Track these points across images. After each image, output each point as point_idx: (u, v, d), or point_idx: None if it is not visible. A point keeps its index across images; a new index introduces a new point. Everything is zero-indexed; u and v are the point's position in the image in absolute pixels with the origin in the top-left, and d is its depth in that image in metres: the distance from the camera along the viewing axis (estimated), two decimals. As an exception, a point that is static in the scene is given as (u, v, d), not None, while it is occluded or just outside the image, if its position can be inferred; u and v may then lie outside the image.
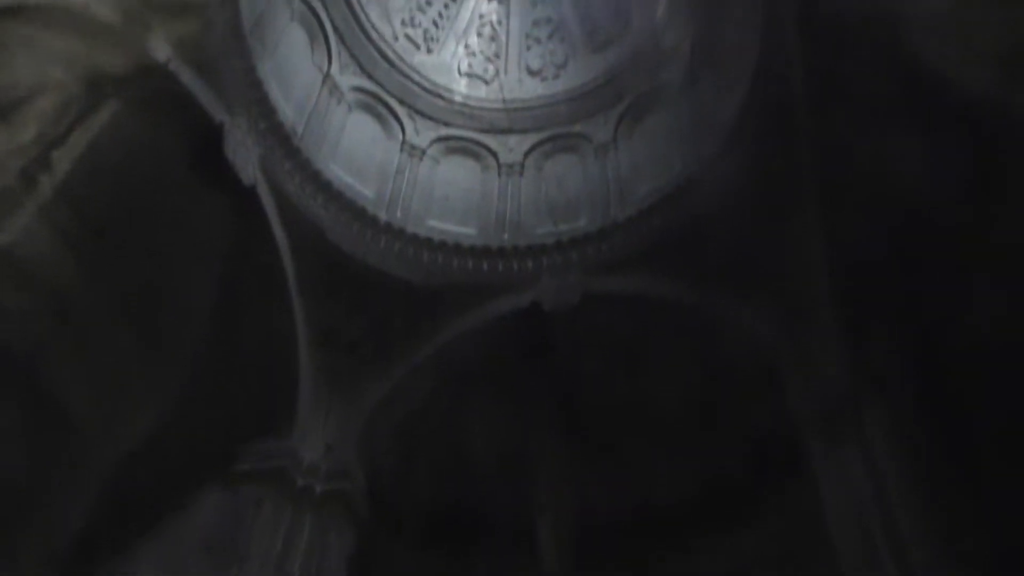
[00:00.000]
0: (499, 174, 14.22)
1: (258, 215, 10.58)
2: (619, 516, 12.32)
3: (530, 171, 14.27)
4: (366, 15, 14.21)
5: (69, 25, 8.19)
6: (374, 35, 14.35)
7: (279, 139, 11.21)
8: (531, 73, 15.82)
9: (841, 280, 9.33)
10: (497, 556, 12.45)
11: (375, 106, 14.26)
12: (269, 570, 9.62)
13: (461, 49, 15.96)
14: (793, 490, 10.32)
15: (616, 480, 12.38)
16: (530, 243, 12.63)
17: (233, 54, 10.21)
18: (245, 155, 10.20)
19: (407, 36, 15.17)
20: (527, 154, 14.48)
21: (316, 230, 11.49)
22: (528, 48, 16.20)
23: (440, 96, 14.96)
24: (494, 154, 14.53)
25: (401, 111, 14.46)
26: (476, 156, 14.59)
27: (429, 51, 15.53)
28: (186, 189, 9.97)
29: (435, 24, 15.79)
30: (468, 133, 14.76)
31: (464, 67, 15.74)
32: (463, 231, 13.00)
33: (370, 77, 14.25)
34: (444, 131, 14.66)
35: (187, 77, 9.32)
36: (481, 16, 16.34)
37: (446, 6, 16.07)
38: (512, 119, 14.91)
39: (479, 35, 16.19)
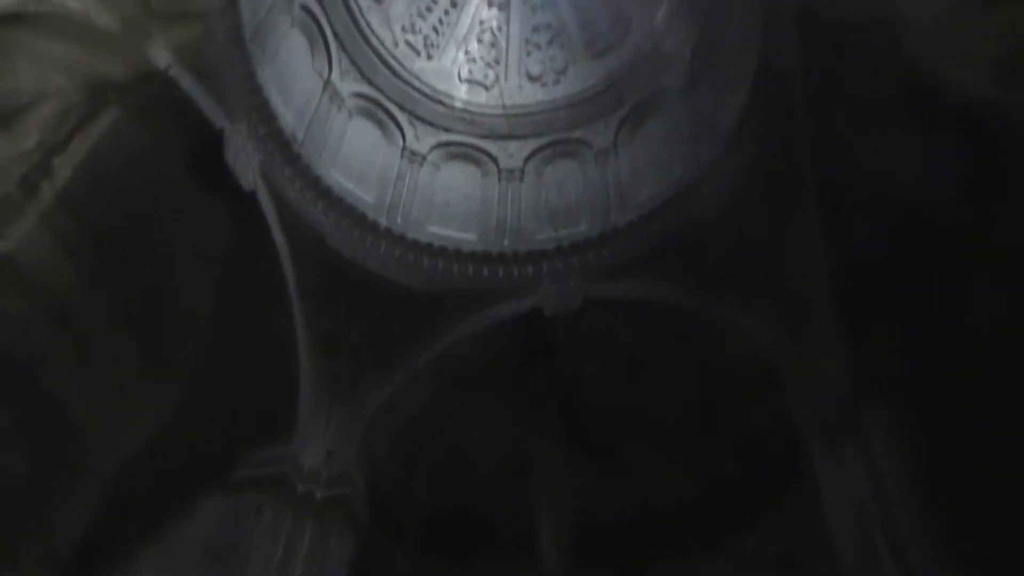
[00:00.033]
0: (499, 180, 14.23)
1: (258, 221, 10.58)
2: (620, 519, 12.30)
3: (530, 177, 14.28)
4: (366, 21, 14.23)
5: (70, 32, 8.20)
6: (374, 41, 14.37)
7: (279, 145, 11.22)
8: (531, 79, 15.84)
9: (841, 281, 9.34)
10: (498, 561, 12.42)
11: (375, 112, 14.27)
12: (270, 576, 9.63)
13: (461, 55, 15.99)
14: (793, 491, 10.32)
15: (617, 483, 12.36)
16: (530, 248, 12.63)
17: (233, 60, 10.22)
18: (245, 161, 10.21)
19: (407, 42, 15.19)
20: (527, 160, 14.49)
21: (316, 236, 11.49)
22: (528, 54, 16.23)
23: (440, 102, 14.98)
24: (494, 160, 14.54)
25: (401, 117, 14.48)
26: (476, 162, 14.61)
27: (429, 57, 15.55)
28: (186, 195, 9.97)
29: (435, 30, 15.82)
30: (468, 139, 14.78)
31: (464, 73, 15.77)
32: (463, 237, 13.01)
33: (370, 83, 14.27)
34: (444, 137, 14.68)
35: (187, 83, 9.33)
36: (481, 22, 16.38)
37: (446, 12, 16.10)
38: (512, 125, 14.92)
39: (479, 41, 16.22)
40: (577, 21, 15.93)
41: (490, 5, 16.34)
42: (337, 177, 12.41)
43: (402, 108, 14.55)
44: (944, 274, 8.38)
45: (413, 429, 12.32)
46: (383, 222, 12.49)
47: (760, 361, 10.42)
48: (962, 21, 7.00)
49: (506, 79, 15.80)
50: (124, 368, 10.47)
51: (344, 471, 11.04)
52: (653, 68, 13.89)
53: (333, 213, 11.85)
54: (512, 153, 14.60)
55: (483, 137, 14.79)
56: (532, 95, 15.53)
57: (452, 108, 15.03)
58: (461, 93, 15.39)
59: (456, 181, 14.27)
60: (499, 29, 16.31)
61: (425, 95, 14.85)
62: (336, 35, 13.68)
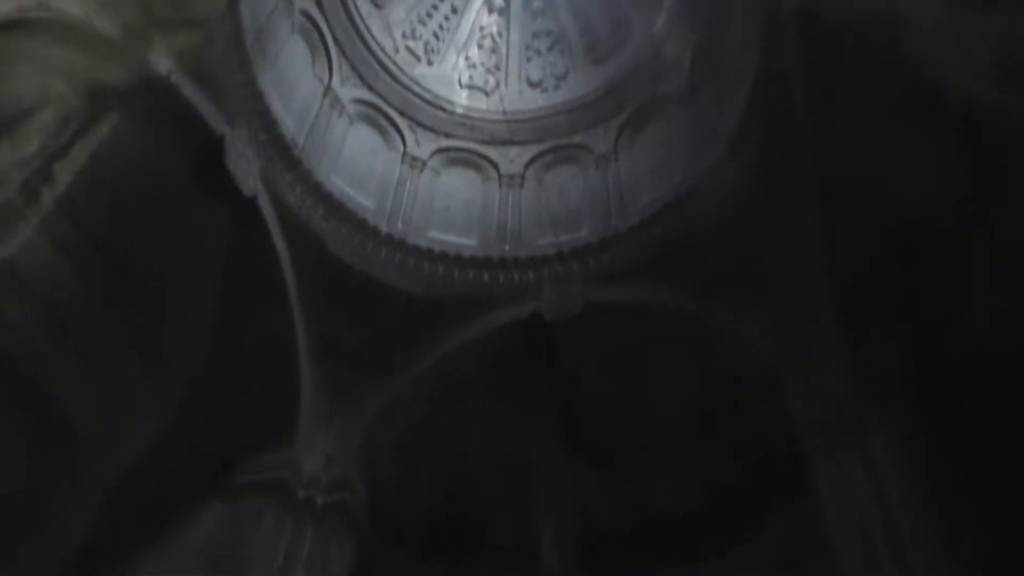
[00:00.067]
0: (500, 185, 14.25)
1: (259, 227, 10.59)
2: (621, 525, 12.28)
3: (531, 182, 14.29)
4: (367, 27, 14.26)
5: (71, 39, 8.21)
6: (375, 47, 14.39)
7: (280, 151, 11.24)
8: (531, 84, 15.87)
9: (841, 284, 9.35)
10: (498, 566, 12.41)
11: (376, 118, 14.30)
12: (271, 582, 9.62)
13: (462, 61, 16.02)
14: (795, 496, 10.27)
15: (618, 489, 12.33)
16: (531, 254, 12.64)
17: (234, 66, 10.24)
18: (246, 167, 10.22)
19: (408, 48, 15.22)
20: (528, 165, 14.51)
21: (317, 241, 11.50)
22: (528, 60, 16.26)
23: (441, 108, 15.00)
24: (495, 165, 14.56)
25: (402, 123, 14.51)
26: (477, 167, 14.63)
27: (430, 63, 15.58)
28: (187, 201, 9.98)
29: (436, 36, 15.85)
30: (469, 144, 14.80)
31: (465, 79, 15.79)
32: (464, 242, 13.01)
33: (371, 89, 14.30)
34: (445, 142, 14.70)
35: (188, 89, 9.34)
36: (481, 28, 16.41)
37: (447, 18, 16.13)
38: (512, 130, 14.94)
39: (479, 47, 16.25)
40: (577, 27, 15.96)
41: (490, 11, 16.37)
42: (338, 183, 12.42)
43: (402, 114, 14.58)
44: (944, 276, 8.39)
45: (414, 434, 12.31)
46: (384, 227, 12.50)
47: (760, 365, 10.42)
48: (962, 23, 7.01)
49: (506, 85, 15.82)
50: (125, 373, 10.46)
51: (344, 476, 11.04)
52: (653, 73, 13.91)
53: (333, 219, 11.86)
54: (512, 159, 14.61)
55: (483, 143, 14.82)
56: (532, 101, 15.55)
57: (452, 114, 15.05)
58: (461, 99, 15.41)
59: (457, 186, 14.29)
60: (499, 35, 16.34)
61: (425, 101, 14.88)
62: (336, 41, 13.71)
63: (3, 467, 9.29)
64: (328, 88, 13.35)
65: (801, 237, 9.80)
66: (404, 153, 14.21)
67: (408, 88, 14.77)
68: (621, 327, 11.60)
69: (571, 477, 12.47)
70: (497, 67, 16.11)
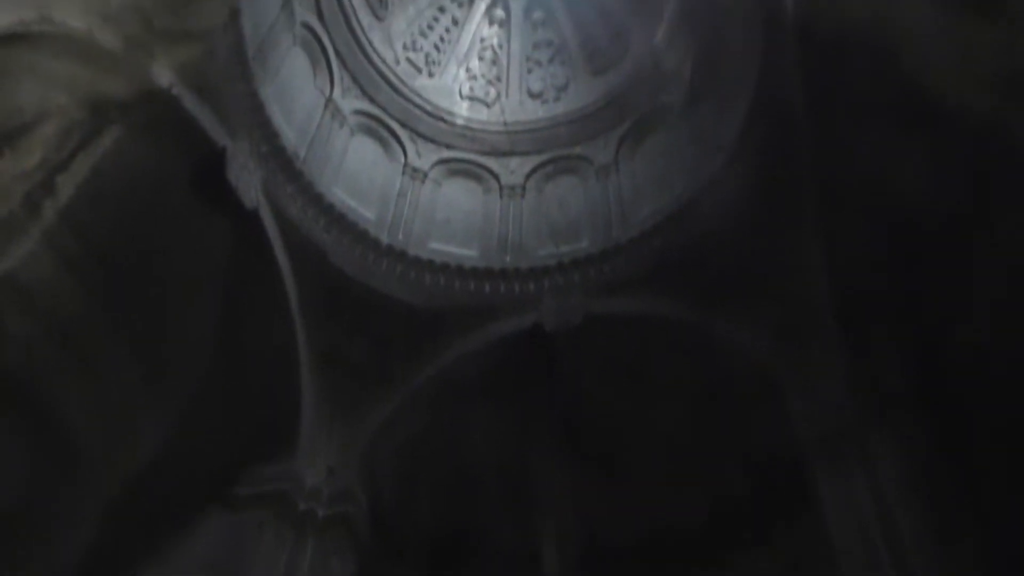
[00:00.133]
0: (501, 196, 14.28)
1: (260, 239, 10.59)
2: (623, 535, 12.22)
3: (531, 193, 14.32)
4: (368, 39, 14.31)
5: (72, 51, 8.23)
6: (376, 59, 14.45)
7: (281, 163, 11.26)
8: (532, 96, 15.92)
9: (841, 293, 9.34)
10: (500, 579, 12.39)
11: (377, 129, 14.34)
12: (271, 594, 9.60)
13: (462, 72, 16.07)
14: (798, 505, 10.24)
15: (620, 500, 12.30)
16: (532, 265, 12.65)
17: (235, 79, 10.27)
18: (247, 179, 10.24)
19: (409, 60, 15.28)
20: (528, 176, 14.54)
21: (318, 253, 11.52)
22: (529, 71, 16.32)
23: (442, 119, 15.05)
24: (496, 176, 14.59)
25: (403, 134, 14.55)
26: (478, 178, 14.66)
27: (431, 75, 15.64)
28: (189, 213, 9.99)
29: (436, 48, 15.91)
30: (470, 155, 14.84)
31: (465, 90, 15.85)
32: (465, 253, 13.03)
33: (372, 101, 14.35)
34: (446, 154, 14.73)
35: (190, 102, 9.35)
36: (482, 40, 16.47)
37: (447, 30, 16.20)
38: (513, 141, 14.98)
39: (480, 59, 16.31)
40: (578, 38, 16.02)
41: (491, 23, 16.44)
42: (339, 194, 12.45)
43: (403, 125, 14.62)
44: (946, 287, 8.39)
45: (415, 446, 12.29)
46: (385, 239, 12.52)
47: (761, 374, 10.39)
48: (961, 33, 7.03)
49: (507, 96, 15.88)
50: (126, 385, 10.45)
51: (346, 488, 11.02)
52: (654, 85, 13.95)
53: (335, 230, 11.88)
54: (513, 169, 14.65)
55: (484, 154, 14.86)
56: (533, 112, 15.60)
57: (453, 125, 15.09)
58: (462, 110, 15.46)
59: (457, 198, 14.32)
60: (500, 47, 16.40)
61: (426, 112, 14.93)
62: (338, 53, 13.77)
63: (4, 478, 9.27)
64: (329, 100, 13.39)
65: (801, 246, 9.81)
66: (405, 164, 14.25)
67: (409, 100, 14.82)
68: (622, 338, 11.60)
69: (573, 488, 12.43)
70: (498, 78, 16.17)
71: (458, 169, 14.74)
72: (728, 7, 11.05)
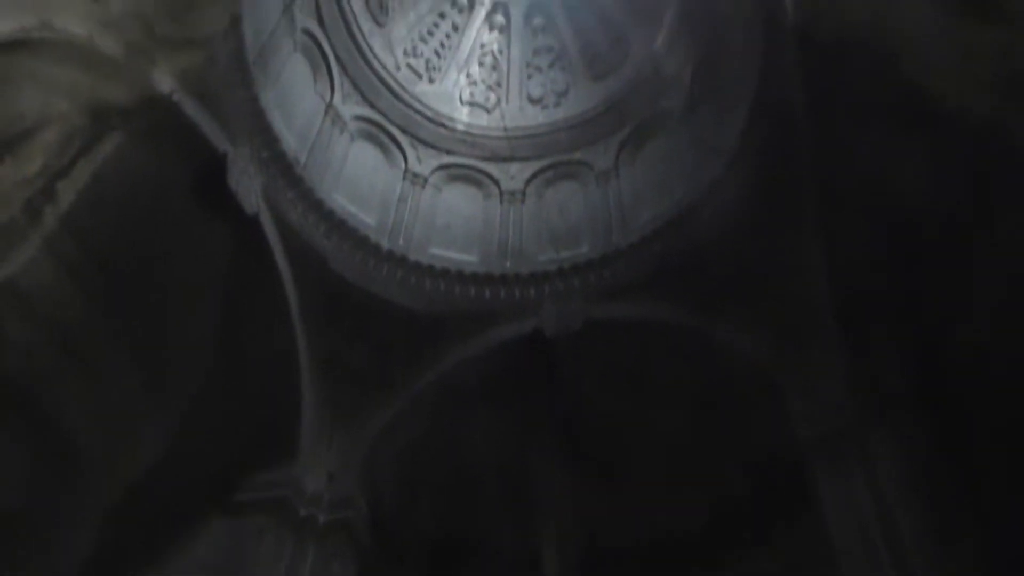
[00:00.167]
0: (501, 201, 14.29)
1: (261, 244, 10.60)
2: (624, 539, 12.22)
3: (532, 198, 14.34)
4: (368, 45, 14.33)
5: (73, 58, 8.25)
6: (376, 65, 14.47)
7: (282, 168, 11.27)
8: (532, 101, 15.94)
9: (841, 296, 9.34)
10: (501, 584, 12.37)
11: (377, 135, 14.36)
12: (272, 600, 9.59)
13: (463, 78, 16.10)
14: (798, 507, 10.23)
15: (620, 503, 12.28)
16: (532, 270, 12.66)
17: (236, 85, 10.28)
18: (248, 185, 10.25)
19: (409, 66, 15.30)
20: (528, 181, 14.56)
21: (319, 259, 11.52)
22: (529, 77, 16.33)
23: (442, 125, 15.07)
24: (496, 182, 14.61)
25: (403, 140, 14.56)
26: (478, 184, 14.67)
27: (431, 80, 15.66)
28: (189, 219, 10.00)
29: (437, 54, 15.93)
30: (470, 161, 14.85)
31: (466, 96, 15.87)
32: (465, 259, 13.04)
33: (372, 106, 14.36)
34: (446, 159, 14.75)
35: (190, 108, 9.38)
36: (482, 46, 16.49)
37: (448, 36, 16.22)
38: (513, 147, 15.00)
39: (480, 64, 16.33)
40: (578, 44, 16.03)
41: (491, 29, 16.46)
42: (339, 200, 12.46)
43: (404, 131, 14.64)
44: (946, 288, 8.40)
45: (415, 451, 12.28)
46: (385, 244, 12.53)
47: (761, 377, 10.39)
48: (959, 36, 7.04)
49: (507, 102, 15.89)
50: (126, 391, 10.46)
51: (346, 494, 11.01)
52: (653, 90, 13.99)
53: (335, 236, 11.89)
54: (513, 175, 14.66)
55: (484, 159, 14.87)
56: (533, 117, 15.62)
57: (454, 131, 15.11)
58: (463, 116, 15.48)
59: (458, 203, 14.33)
60: (500, 52, 16.42)
61: (427, 118, 14.94)
62: (338, 59, 13.78)
63: (5, 483, 9.28)
64: (330, 106, 13.41)
65: (801, 247, 9.82)
66: (405, 170, 14.26)
67: (409, 105, 14.84)
68: (622, 342, 11.60)
69: (573, 491, 12.41)
70: (498, 84, 16.19)
71: (458, 175, 14.76)
72: (728, 11, 11.08)
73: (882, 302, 9.01)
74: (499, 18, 16.47)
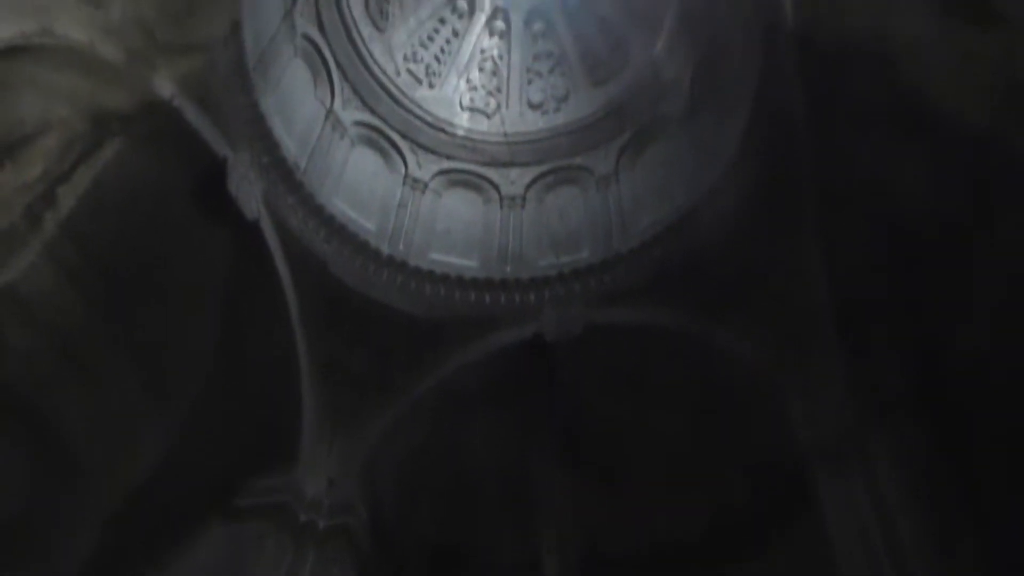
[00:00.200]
0: (501, 207, 14.29)
1: (261, 250, 10.61)
2: (624, 545, 12.19)
3: (532, 203, 14.34)
4: (368, 51, 14.35)
5: (74, 64, 8.26)
6: (376, 70, 14.48)
7: (282, 174, 11.27)
8: (532, 107, 15.94)
9: (841, 301, 9.34)
10: (501, 590, 12.35)
11: (377, 140, 14.37)
12: (272, 606, 9.58)
13: (463, 83, 16.10)
14: (798, 513, 10.23)
15: (621, 509, 12.26)
16: (532, 275, 12.66)
17: (236, 90, 10.30)
18: (248, 190, 10.26)
19: (409, 71, 15.32)
20: (529, 187, 14.56)
21: (319, 264, 11.53)
22: (529, 82, 16.34)
23: (442, 130, 15.07)
24: (496, 187, 14.61)
25: (403, 145, 14.57)
26: (478, 189, 14.68)
27: (431, 86, 15.67)
28: (190, 224, 10.01)
29: (437, 59, 15.95)
30: (470, 166, 14.86)
31: (466, 101, 15.87)
32: (465, 264, 13.04)
33: (372, 112, 14.37)
34: (446, 164, 14.76)
35: (191, 113, 9.39)
36: (482, 51, 16.50)
37: (448, 42, 16.24)
38: (513, 152, 15.00)
39: (480, 70, 16.34)
40: (578, 49, 16.04)
41: (491, 34, 16.48)
42: (339, 205, 12.46)
43: (404, 136, 14.64)
44: (946, 292, 8.40)
45: (415, 457, 12.27)
46: (385, 250, 12.53)
47: (762, 383, 10.40)
48: (957, 42, 7.05)
49: (507, 107, 15.90)
50: (126, 398, 10.46)
51: (346, 500, 11.00)
52: (653, 95, 13.98)
53: (335, 241, 11.90)
54: (513, 180, 14.67)
55: (485, 164, 14.88)
56: (533, 122, 15.63)
57: (454, 136, 15.12)
58: (463, 121, 15.48)
59: (458, 208, 14.33)
60: (500, 58, 16.44)
61: (427, 123, 14.95)
62: (338, 64, 13.80)
63: (5, 489, 9.27)
64: (330, 111, 13.42)
65: (801, 252, 9.82)
66: (406, 175, 14.27)
67: (410, 111, 14.85)
68: (622, 347, 11.59)
69: (573, 497, 12.40)
70: (498, 89, 16.20)
71: (458, 180, 14.76)
72: (727, 16, 11.10)
73: (882, 305, 9.01)
74: (499, 24, 16.49)
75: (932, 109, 7.57)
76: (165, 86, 9.02)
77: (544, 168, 14.75)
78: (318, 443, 11.22)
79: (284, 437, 10.91)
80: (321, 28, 13.42)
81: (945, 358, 8.55)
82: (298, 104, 12.58)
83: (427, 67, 15.70)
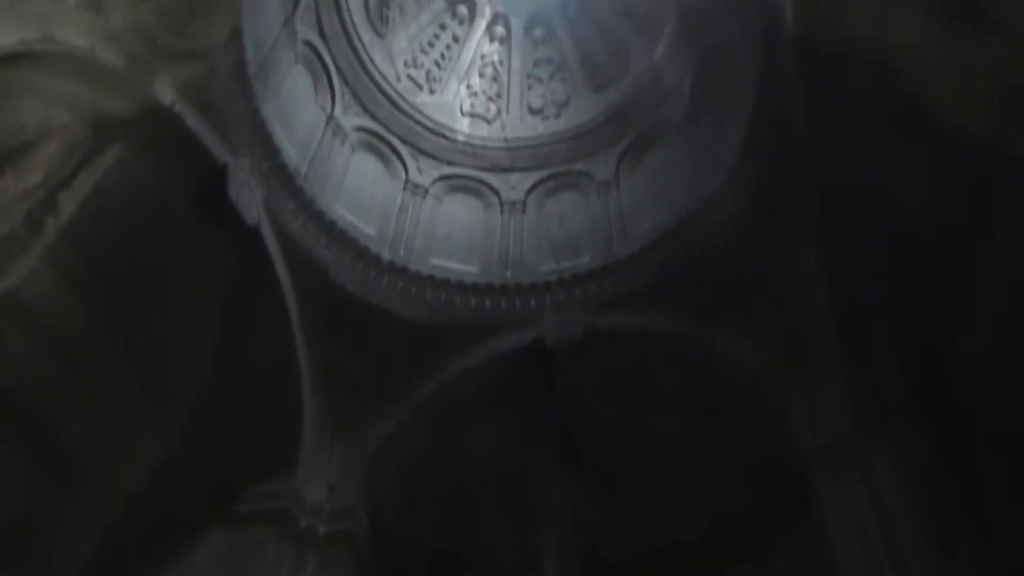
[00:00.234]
0: (501, 212, 14.31)
1: (262, 255, 10.62)
2: (625, 549, 12.17)
3: (532, 209, 14.35)
4: (369, 57, 14.37)
5: (75, 70, 8.28)
6: (377, 76, 14.51)
7: (283, 180, 11.29)
8: (533, 112, 15.96)
9: (841, 306, 9.35)
10: (502, 595, 12.33)
11: (378, 146, 14.39)
12: (273, 611, 9.57)
13: (463, 89, 16.13)
14: (799, 518, 10.21)
15: (621, 513, 12.25)
16: (533, 280, 12.67)
17: (237, 96, 10.31)
18: (249, 196, 10.27)
19: (410, 77, 15.34)
20: (529, 192, 14.57)
21: (319, 270, 11.53)
22: (530, 88, 16.36)
23: (443, 135, 15.09)
24: (496, 192, 14.62)
25: (404, 150, 14.59)
26: (478, 194, 14.69)
27: (432, 91, 15.69)
28: (190, 230, 10.02)
29: (437, 65, 15.97)
30: (470, 172, 14.88)
31: (466, 107, 15.89)
32: (466, 269, 13.04)
33: (373, 117, 14.39)
34: (447, 170, 14.77)
35: (191, 119, 9.40)
36: (483, 57, 16.52)
37: (448, 47, 16.26)
38: (514, 157, 15.02)
39: (481, 75, 16.36)
40: (578, 55, 16.06)
41: (492, 40, 16.50)
42: (340, 211, 12.47)
43: (404, 142, 14.66)
44: (946, 297, 8.41)
45: (416, 462, 12.27)
46: (386, 255, 12.54)
47: (762, 387, 10.40)
48: (959, 51, 7.07)
49: (508, 112, 15.92)
50: (127, 402, 10.47)
51: (347, 505, 11.00)
52: (654, 100, 14.00)
53: (336, 247, 11.90)
54: (514, 185, 14.68)
55: (485, 170, 14.90)
56: (533, 128, 15.64)
57: (454, 141, 15.14)
58: (463, 126, 15.51)
59: (458, 214, 14.34)
60: (500, 63, 16.46)
61: (427, 129, 14.97)
62: (339, 70, 13.82)
63: (5, 494, 9.27)
64: (331, 117, 13.43)
65: (801, 259, 9.83)
66: (406, 181, 14.28)
67: (410, 116, 14.87)
68: (623, 353, 11.60)
69: (573, 501, 12.39)
70: (498, 95, 16.22)
71: (459, 185, 14.77)
72: (728, 22, 11.12)
73: (882, 311, 9.02)
74: (499, 29, 16.51)
75: (932, 113, 7.59)
76: (166, 92, 9.04)
77: (544, 173, 14.77)
78: (318, 448, 11.22)
79: (284, 442, 10.91)
80: (322, 34, 13.44)
81: (945, 361, 8.56)
82: (299, 110, 12.60)
83: (428, 73, 15.73)
